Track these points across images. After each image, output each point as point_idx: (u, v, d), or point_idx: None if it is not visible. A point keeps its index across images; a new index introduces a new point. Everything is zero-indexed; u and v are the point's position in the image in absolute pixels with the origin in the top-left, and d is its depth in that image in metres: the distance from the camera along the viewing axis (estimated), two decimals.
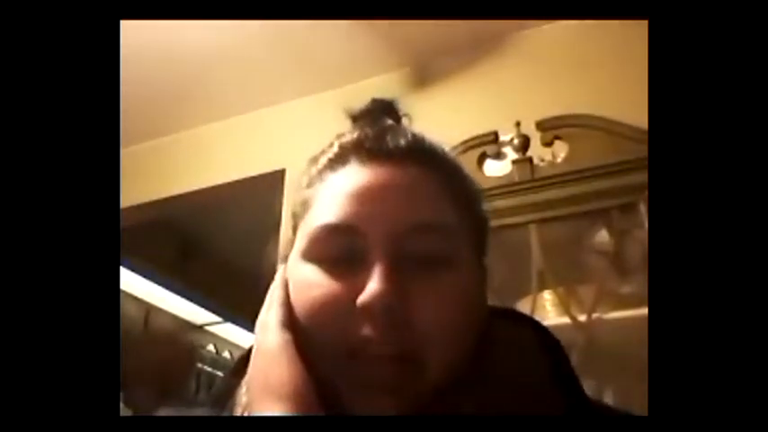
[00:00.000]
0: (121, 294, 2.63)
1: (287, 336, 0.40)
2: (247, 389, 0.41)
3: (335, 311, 0.39)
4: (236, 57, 1.83)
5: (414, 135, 0.46)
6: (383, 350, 0.37)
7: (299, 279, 0.42)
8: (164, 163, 2.15)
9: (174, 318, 3.12)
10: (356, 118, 0.49)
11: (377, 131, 0.45)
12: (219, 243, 2.88)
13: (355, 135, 0.46)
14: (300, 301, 0.41)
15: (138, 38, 1.70)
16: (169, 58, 1.82)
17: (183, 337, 3.17)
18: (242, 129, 2.08)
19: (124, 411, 2.28)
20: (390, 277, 0.38)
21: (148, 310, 2.92)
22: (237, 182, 1.98)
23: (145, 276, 2.67)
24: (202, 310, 3.06)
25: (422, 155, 0.44)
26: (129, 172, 1.79)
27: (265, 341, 0.41)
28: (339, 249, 0.40)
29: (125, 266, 2.47)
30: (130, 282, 2.66)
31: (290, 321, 0.41)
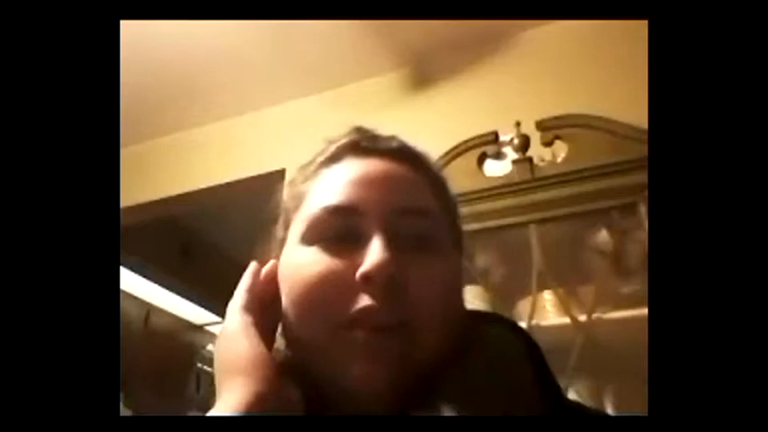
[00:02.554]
0: (121, 294, 2.64)
1: (248, 318, 0.43)
2: (214, 369, 0.43)
3: (335, 284, 0.41)
4: (235, 57, 1.83)
5: (403, 141, 0.50)
6: (381, 319, 0.39)
7: (298, 261, 0.44)
8: (164, 163, 2.15)
9: (174, 318, 3.12)
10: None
11: (370, 135, 0.49)
12: (219, 243, 2.88)
13: (350, 138, 0.49)
14: (299, 280, 0.42)
15: (138, 38, 1.70)
16: (169, 58, 1.82)
17: (183, 337, 3.17)
18: (242, 129, 2.08)
19: (124, 411, 2.28)
20: (389, 250, 0.40)
21: (148, 310, 2.92)
22: (237, 182, 1.98)
23: (145, 276, 2.67)
24: (202, 310, 3.06)
25: (411, 157, 0.48)
26: (129, 172, 1.79)
27: (228, 324, 0.43)
28: (338, 229, 0.43)
29: (125, 266, 2.47)
30: (130, 282, 2.66)
31: (254, 306, 0.44)
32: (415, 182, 0.46)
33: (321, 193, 0.45)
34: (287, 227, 0.48)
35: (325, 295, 0.41)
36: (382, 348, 0.39)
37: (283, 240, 0.47)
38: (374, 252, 0.40)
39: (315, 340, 0.41)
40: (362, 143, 0.48)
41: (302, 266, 0.43)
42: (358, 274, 0.40)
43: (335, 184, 0.45)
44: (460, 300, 0.46)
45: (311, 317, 0.41)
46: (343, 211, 0.43)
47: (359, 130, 0.51)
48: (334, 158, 0.48)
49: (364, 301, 0.39)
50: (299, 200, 0.47)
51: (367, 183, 0.44)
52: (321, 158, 0.49)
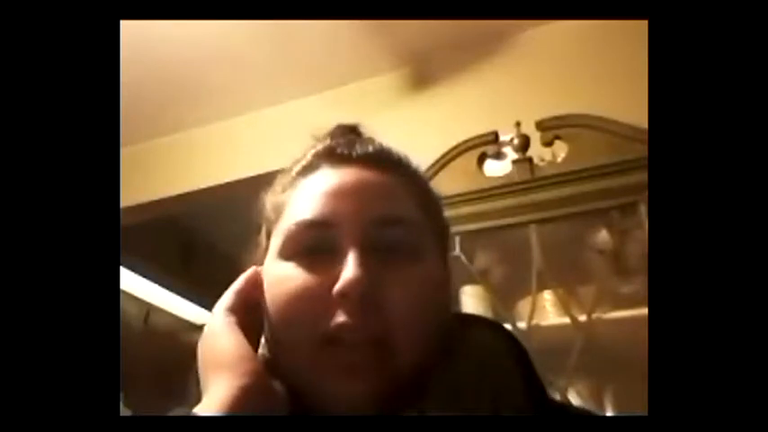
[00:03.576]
0: (121, 294, 2.63)
1: (231, 318, 0.43)
2: (198, 368, 0.43)
3: (312, 301, 0.41)
4: (235, 57, 1.82)
5: (381, 145, 0.49)
6: (358, 335, 0.39)
7: (276, 275, 0.44)
8: (164, 163, 2.15)
9: (174, 318, 3.12)
10: (321, 140, 0.51)
11: (347, 140, 0.48)
12: (219, 243, 2.87)
13: (326, 144, 0.48)
14: (277, 295, 0.43)
15: (138, 38, 1.70)
16: (169, 58, 1.82)
17: (183, 337, 3.17)
18: (242, 129, 2.08)
19: (124, 411, 2.28)
20: (363, 265, 0.40)
21: (148, 309, 2.92)
22: (237, 182, 1.98)
23: (145, 276, 2.67)
24: (202, 310, 3.06)
25: (389, 161, 0.47)
26: (129, 172, 1.79)
27: (211, 323, 0.44)
28: (314, 243, 0.43)
29: (125, 266, 2.47)
30: (130, 282, 2.66)
31: (239, 308, 0.44)
32: (393, 188, 0.45)
33: (297, 207, 0.45)
34: (269, 236, 0.48)
35: (303, 312, 0.41)
36: (361, 362, 0.39)
37: (266, 249, 0.47)
38: (349, 268, 0.40)
39: (294, 355, 0.41)
40: (338, 150, 0.47)
41: (280, 281, 0.43)
42: (333, 291, 0.40)
43: (310, 197, 0.45)
44: (444, 305, 0.46)
45: (290, 333, 0.42)
46: (317, 226, 0.43)
47: (339, 129, 0.50)
48: (310, 167, 0.47)
49: (340, 317, 0.39)
50: (278, 211, 0.47)
51: (342, 194, 0.44)
52: (298, 167, 0.48)
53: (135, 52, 1.75)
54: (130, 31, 1.64)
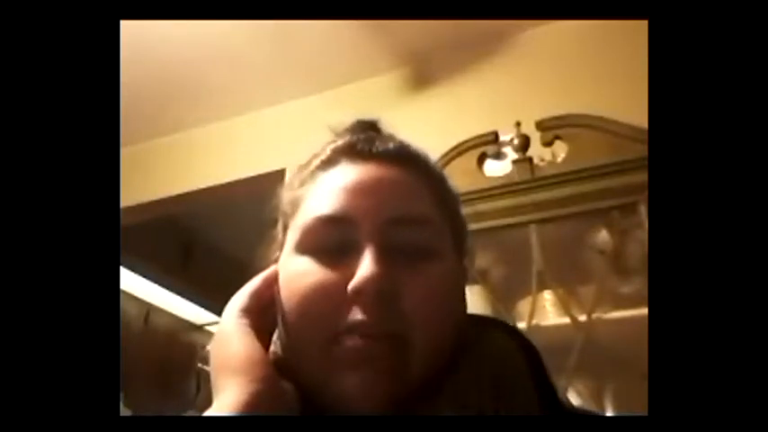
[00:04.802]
0: (121, 294, 2.63)
1: (244, 320, 0.43)
2: (210, 370, 0.43)
3: (328, 296, 0.41)
4: (235, 57, 1.83)
5: (401, 142, 0.49)
6: (373, 332, 0.39)
7: (293, 270, 0.44)
8: (164, 163, 2.15)
9: (174, 318, 3.12)
10: (340, 135, 0.51)
11: (367, 137, 0.48)
12: (219, 243, 2.88)
13: (347, 140, 0.48)
14: (293, 290, 0.42)
15: (138, 38, 1.70)
16: (169, 58, 1.82)
17: (183, 337, 3.17)
18: (242, 129, 2.08)
19: (124, 411, 2.28)
20: (380, 263, 0.40)
21: (148, 310, 2.92)
22: (237, 182, 1.98)
23: (145, 276, 2.67)
24: (202, 310, 3.06)
25: (408, 159, 0.47)
26: (129, 172, 1.79)
27: (223, 325, 0.44)
28: (332, 239, 0.43)
29: (125, 266, 2.47)
30: (130, 282, 2.66)
31: (253, 310, 0.44)
32: (412, 187, 0.45)
33: (315, 202, 0.45)
34: (285, 230, 0.48)
35: (318, 307, 0.41)
36: (375, 358, 0.39)
37: (282, 244, 0.47)
38: (365, 265, 0.40)
39: (309, 350, 0.41)
40: (358, 146, 0.47)
41: (296, 276, 0.43)
42: (349, 287, 0.40)
43: (329, 192, 0.44)
44: (460, 305, 0.46)
45: (305, 327, 0.42)
46: (336, 222, 0.43)
47: (359, 124, 0.50)
48: (329, 162, 0.47)
49: (356, 314, 0.39)
50: (295, 205, 0.47)
51: (361, 191, 0.43)
52: (317, 161, 0.48)
53: (135, 52, 1.75)
54: (130, 31, 1.64)
